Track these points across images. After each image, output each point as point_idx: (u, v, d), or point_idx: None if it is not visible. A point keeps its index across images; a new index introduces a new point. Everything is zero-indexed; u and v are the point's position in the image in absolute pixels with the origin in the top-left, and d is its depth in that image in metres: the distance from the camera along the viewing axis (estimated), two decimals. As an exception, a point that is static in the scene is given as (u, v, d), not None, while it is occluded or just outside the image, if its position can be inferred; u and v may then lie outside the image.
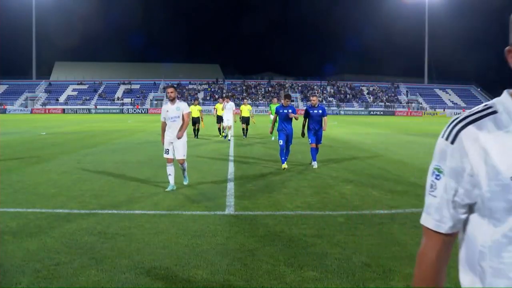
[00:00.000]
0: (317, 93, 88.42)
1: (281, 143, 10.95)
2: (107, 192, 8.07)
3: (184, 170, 8.67)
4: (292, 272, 4.34)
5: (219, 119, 21.75)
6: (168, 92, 8.37)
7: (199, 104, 24.41)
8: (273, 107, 19.87)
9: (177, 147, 8.32)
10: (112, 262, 4.53)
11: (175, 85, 8.87)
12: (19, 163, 11.87)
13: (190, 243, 5.18)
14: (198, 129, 21.15)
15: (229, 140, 18.83)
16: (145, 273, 4.27)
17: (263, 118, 41.73)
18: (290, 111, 11.12)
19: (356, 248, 5.04)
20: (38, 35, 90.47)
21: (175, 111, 8.29)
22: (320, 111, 11.38)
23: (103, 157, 13.42)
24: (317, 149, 11.48)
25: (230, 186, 8.82)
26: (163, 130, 8.44)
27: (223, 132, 21.62)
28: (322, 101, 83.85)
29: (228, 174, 10.22)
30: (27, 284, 4.00)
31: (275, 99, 22.24)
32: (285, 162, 10.98)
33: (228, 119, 19.97)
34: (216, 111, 22.19)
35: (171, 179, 8.28)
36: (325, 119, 11.50)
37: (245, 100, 23.01)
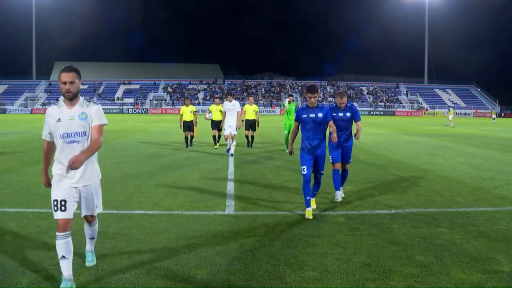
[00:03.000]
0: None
1: (305, 172, 6.54)
2: (107, 192, 8.04)
3: (92, 237, 4.51)
4: (292, 272, 4.34)
5: (215, 125, 16.30)
6: (64, 81, 4.03)
7: (192, 103, 19.01)
8: (290, 107, 15.06)
9: (87, 193, 4.13)
10: (112, 262, 4.53)
11: (77, 69, 4.25)
12: (19, 163, 11.87)
13: (190, 243, 5.18)
14: (192, 137, 16.48)
15: (232, 154, 13.69)
16: (145, 273, 4.28)
17: (268, 118, 41.74)
18: (320, 114, 6.61)
19: (356, 248, 5.04)
20: (38, 35, 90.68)
21: (77, 122, 4.04)
22: (349, 114, 7.58)
23: (103, 157, 13.41)
24: (345, 172, 7.86)
25: (230, 186, 8.82)
26: (47, 159, 4.24)
27: (218, 143, 16.67)
28: (322, 101, 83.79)
29: (228, 174, 10.21)
30: (27, 284, 4.00)
31: (291, 97, 15.34)
32: (311, 204, 6.74)
33: (231, 126, 14.07)
34: (211, 114, 16.68)
35: (67, 267, 3.95)
36: (358, 125, 7.73)
37: (250, 98, 16.88)
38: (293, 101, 15.41)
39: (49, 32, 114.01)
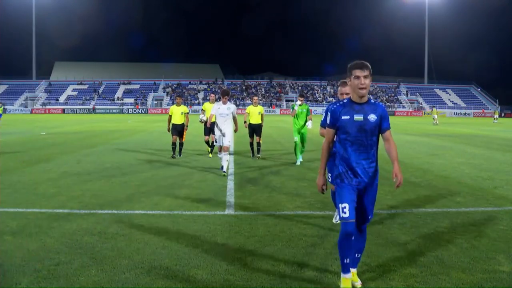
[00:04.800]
0: (317, 93, 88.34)
1: (347, 214, 3.83)
2: (107, 192, 8.07)
3: None
4: (292, 272, 4.34)
5: (208, 129, 13.34)
6: None
7: (191, 103, 14.57)
8: (300, 110, 11.94)
9: None
10: (112, 262, 4.53)
11: None
12: (19, 163, 11.87)
13: (190, 243, 5.18)
14: (181, 144, 13.48)
15: (224, 173, 10.12)
16: (145, 273, 4.27)
17: (268, 118, 41.56)
18: (373, 117, 3.96)
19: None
20: (38, 35, 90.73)
21: None
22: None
23: (103, 157, 13.42)
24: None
25: (230, 186, 8.82)
26: None
27: (210, 152, 13.78)
28: (322, 101, 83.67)
29: (228, 174, 10.20)
30: (27, 284, 4.00)
31: (302, 98, 12.15)
32: (352, 275, 4.05)
33: (224, 135, 10.28)
34: (204, 114, 13.51)
35: None
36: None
37: (254, 98, 14.03)
38: (303, 101, 12.18)
39: (49, 32, 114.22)
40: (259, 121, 13.37)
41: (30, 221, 6.05)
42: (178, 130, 13.32)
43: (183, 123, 13.37)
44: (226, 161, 10.27)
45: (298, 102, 12.04)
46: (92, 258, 4.65)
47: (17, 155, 13.69)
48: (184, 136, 13.63)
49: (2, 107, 38.97)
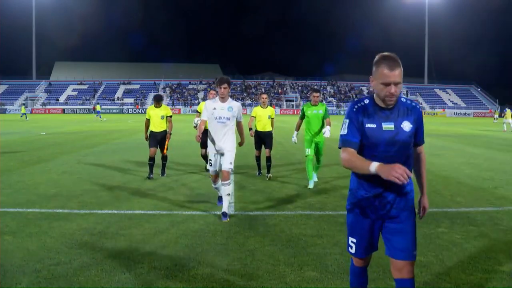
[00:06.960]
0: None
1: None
2: (107, 192, 8.07)
3: None
4: (292, 272, 4.34)
5: (204, 140, 7.74)
6: None
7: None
8: (311, 111, 8.77)
9: None
10: (112, 262, 4.53)
11: None
12: (19, 163, 11.87)
13: (190, 243, 5.18)
14: (164, 158, 10.09)
15: (224, 216, 6.23)
16: (145, 273, 4.28)
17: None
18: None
19: (356, 248, 5.04)
20: (38, 35, 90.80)
21: None
22: (409, 126, 2.86)
23: (103, 157, 13.42)
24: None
25: (230, 186, 8.80)
26: None
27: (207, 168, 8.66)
28: (322, 101, 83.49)
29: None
30: (27, 284, 4.00)
31: (318, 93, 8.96)
32: None
33: (225, 151, 6.44)
34: (200, 119, 7.41)
35: None
36: (420, 153, 3.09)
37: (263, 97, 10.23)
38: (321, 100, 9.24)
39: (49, 32, 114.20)
40: (270, 128, 10.05)
41: (30, 221, 6.05)
42: (158, 140, 9.91)
43: (165, 131, 9.96)
44: (227, 195, 6.40)
45: (314, 98, 8.89)
46: (92, 258, 4.65)
47: (17, 155, 13.69)
48: (166, 148, 10.10)
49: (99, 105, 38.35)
